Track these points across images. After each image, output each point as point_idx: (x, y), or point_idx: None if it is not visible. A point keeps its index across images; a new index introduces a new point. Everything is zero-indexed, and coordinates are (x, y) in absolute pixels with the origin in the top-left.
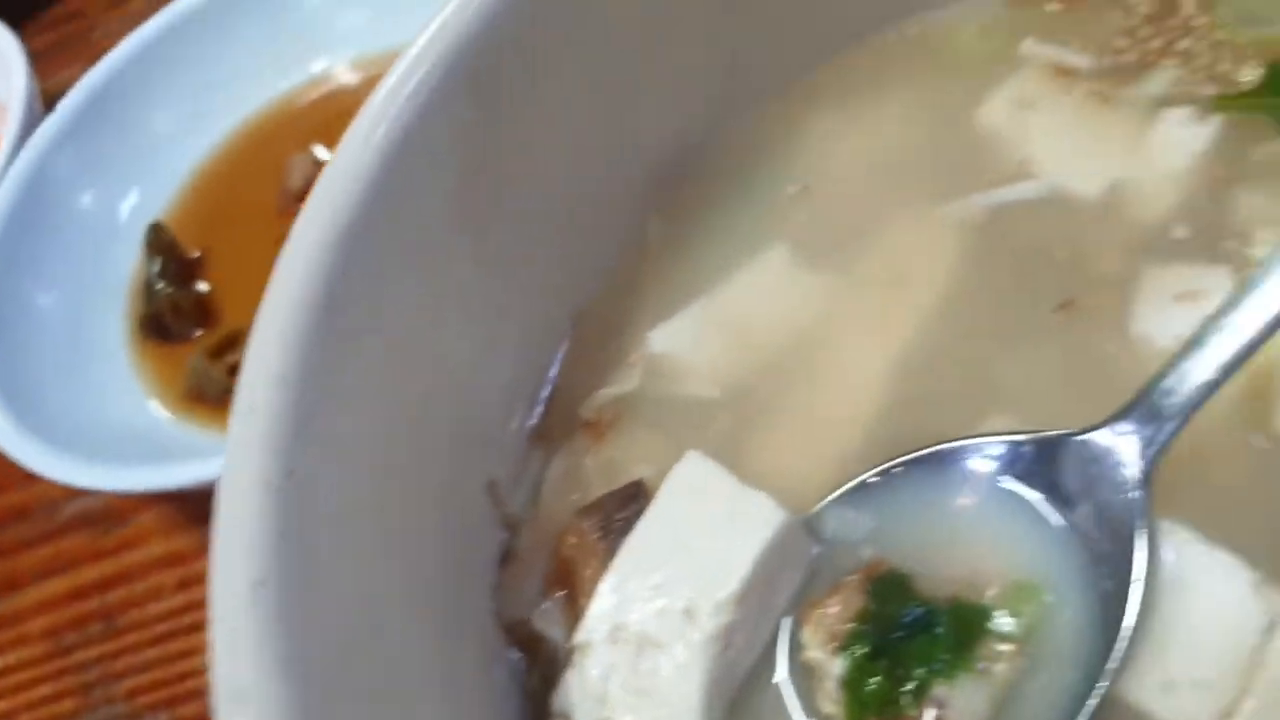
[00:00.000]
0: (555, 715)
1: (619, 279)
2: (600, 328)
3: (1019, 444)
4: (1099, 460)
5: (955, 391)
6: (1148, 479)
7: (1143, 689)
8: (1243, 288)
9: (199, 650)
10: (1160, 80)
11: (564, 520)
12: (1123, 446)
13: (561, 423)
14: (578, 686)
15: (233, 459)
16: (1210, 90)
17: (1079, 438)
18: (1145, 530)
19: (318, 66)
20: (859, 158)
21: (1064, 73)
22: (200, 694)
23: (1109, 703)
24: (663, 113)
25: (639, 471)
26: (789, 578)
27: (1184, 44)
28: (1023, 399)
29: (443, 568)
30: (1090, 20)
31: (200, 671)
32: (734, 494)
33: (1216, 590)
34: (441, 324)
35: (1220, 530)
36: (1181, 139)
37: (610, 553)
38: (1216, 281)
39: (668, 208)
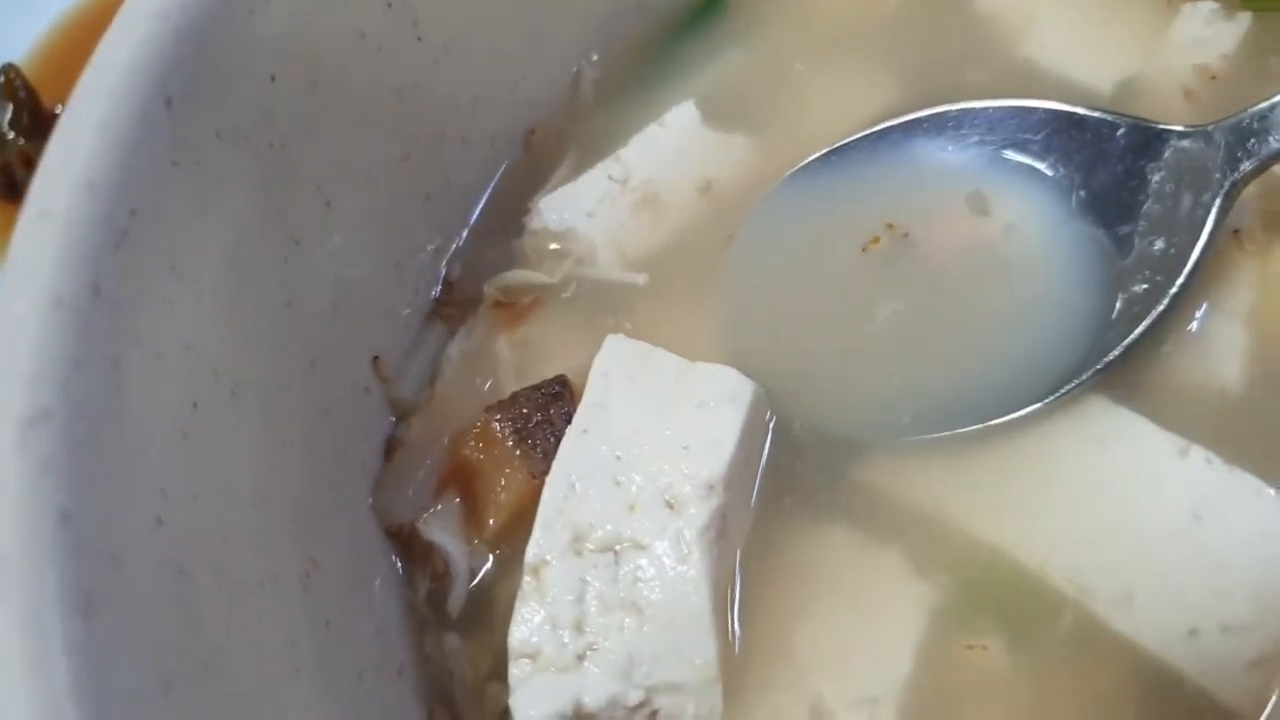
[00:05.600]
0: (517, 657)
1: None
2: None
3: (1109, 121)
4: (1185, 158)
5: None
6: (1231, 190)
7: (1159, 636)
8: None
9: None
10: None
11: (463, 410)
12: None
13: (466, 299)
14: (540, 616)
15: (16, 270)
16: None
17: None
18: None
19: None
20: (816, 18)
21: None
22: None
23: (1112, 649)
24: None
25: (560, 361)
26: (757, 456)
27: None
28: None
29: (310, 445)
30: None
31: None
32: (684, 370)
33: (1243, 519)
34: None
35: (1238, 454)
36: (1205, 37)
37: (527, 459)
38: None
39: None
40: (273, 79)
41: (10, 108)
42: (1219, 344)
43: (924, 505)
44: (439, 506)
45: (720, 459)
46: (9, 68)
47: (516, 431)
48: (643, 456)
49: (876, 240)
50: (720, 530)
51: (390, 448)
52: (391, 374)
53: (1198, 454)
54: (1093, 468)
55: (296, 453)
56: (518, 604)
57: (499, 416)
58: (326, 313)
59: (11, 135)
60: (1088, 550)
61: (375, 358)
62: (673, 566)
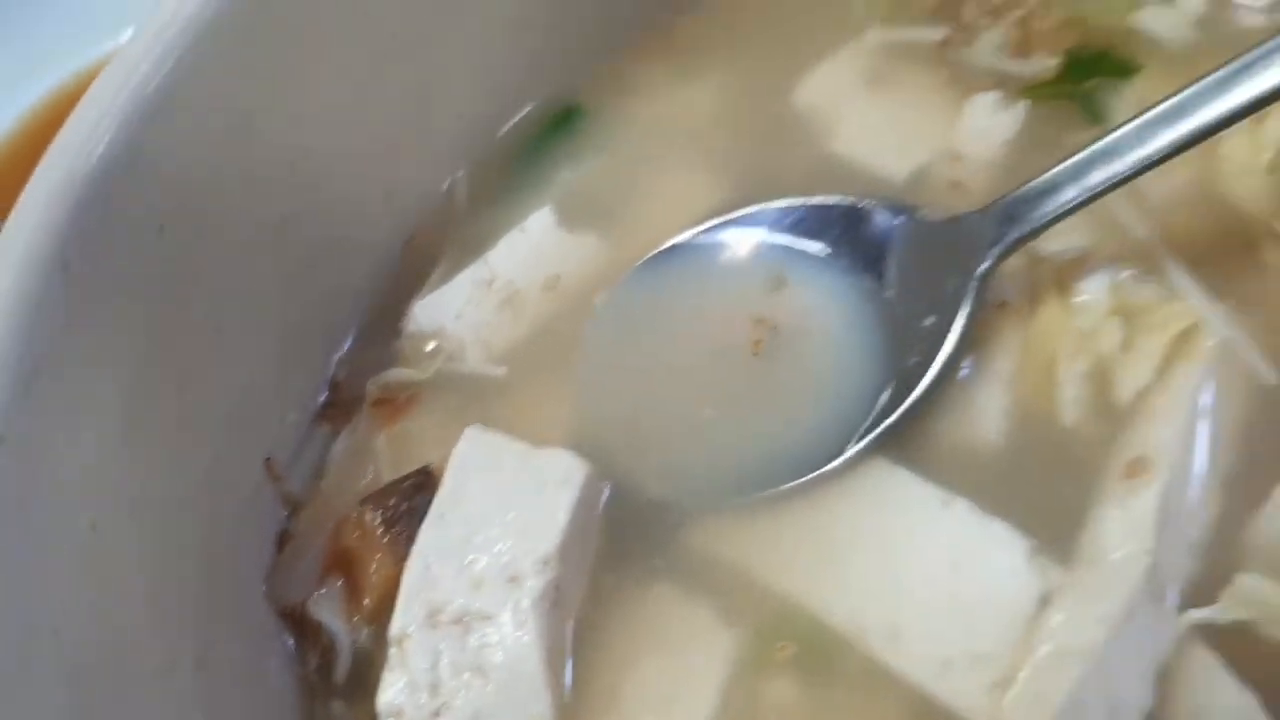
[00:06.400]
0: (384, 717)
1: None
2: (396, 299)
3: (888, 214)
4: (950, 242)
5: None
6: (985, 273)
7: (922, 668)
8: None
9: None
10: (984, 48)
11: (347, 502)
12: (976, 237)
13: (350, 400)
14: (403, 681)
15: None
16: (1021, 69)
17: (949, 222)
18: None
19: None
20: (660, 124)
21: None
22: None
23: (887, 683)
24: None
25: (432, 452)
26: (593, 529)
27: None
28: None
29: (207, 546)
30: None
31: None
32: (528, 456)
33: (993, 561)
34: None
35: (995, 503)
36: (989, 126)
37: (394, 545)
38: None
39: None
40: (161, 230)
41: None
42: (983, 405)
43: (735, 563)
44: (325, 589)
45: (553, 536)
46: None
47: (385, 520)
48: (490, 538)
49: (760, 342)
50: (554, 600)
51: (282, 540)
52: (282, 472)
53: (960, 505)
54: (872, 522)
55: (192, 555)
56: (385, 671)
57: (371, 507)
58: (220, 425)
59: None
60: (866, 597)
61: (267, 459)
62: (512, 633)
